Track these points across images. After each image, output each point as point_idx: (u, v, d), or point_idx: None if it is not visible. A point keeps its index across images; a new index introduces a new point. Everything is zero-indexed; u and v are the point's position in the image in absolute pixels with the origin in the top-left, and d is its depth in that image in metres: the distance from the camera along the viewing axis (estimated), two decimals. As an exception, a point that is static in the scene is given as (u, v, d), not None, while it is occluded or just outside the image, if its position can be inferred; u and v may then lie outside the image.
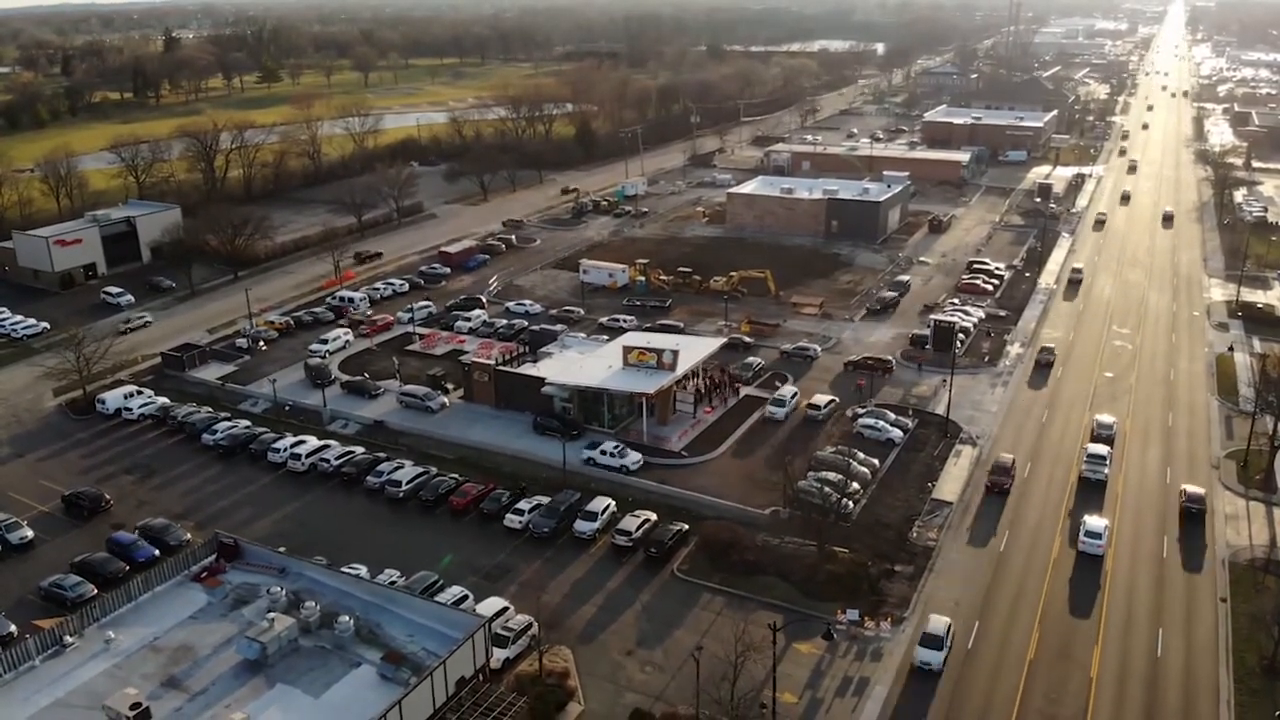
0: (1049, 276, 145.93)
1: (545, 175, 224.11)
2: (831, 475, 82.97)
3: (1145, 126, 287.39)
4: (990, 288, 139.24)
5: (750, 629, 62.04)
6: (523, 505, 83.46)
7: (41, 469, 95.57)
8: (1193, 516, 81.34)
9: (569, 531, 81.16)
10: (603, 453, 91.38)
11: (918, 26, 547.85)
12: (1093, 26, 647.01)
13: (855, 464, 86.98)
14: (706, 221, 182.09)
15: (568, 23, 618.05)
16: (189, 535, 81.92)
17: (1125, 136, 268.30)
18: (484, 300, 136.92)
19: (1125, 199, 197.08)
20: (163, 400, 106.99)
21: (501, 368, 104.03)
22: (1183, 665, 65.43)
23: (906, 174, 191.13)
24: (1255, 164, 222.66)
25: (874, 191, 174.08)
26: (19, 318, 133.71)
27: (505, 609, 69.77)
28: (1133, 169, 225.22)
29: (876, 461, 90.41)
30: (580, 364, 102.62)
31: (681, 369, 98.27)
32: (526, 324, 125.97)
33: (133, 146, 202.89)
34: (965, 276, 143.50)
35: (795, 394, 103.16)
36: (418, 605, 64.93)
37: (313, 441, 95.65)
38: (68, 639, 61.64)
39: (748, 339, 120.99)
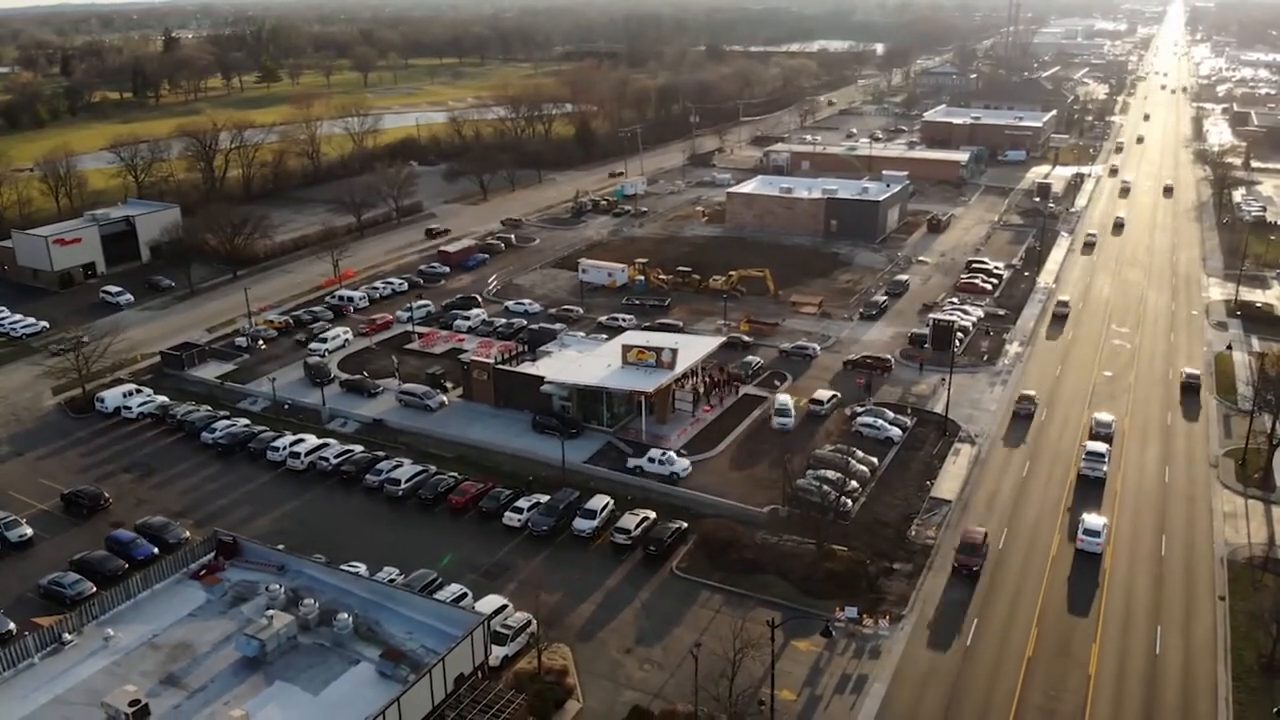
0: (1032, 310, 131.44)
1: (545, 175, 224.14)
2: (830, 473, 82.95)
3: (1145, 122, 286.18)
4: (989, 287, 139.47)
5: (749, 626, 62.15)
6: (521, 503, 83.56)
7: (41, 467, 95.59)
8: (1191, 390, 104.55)
9: (568, 529, 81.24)
10: (650, 460, 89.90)
11: (917, 26, 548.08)
12: (1092, 27, 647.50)
13: (854, 462, 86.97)
14: (706, 221, 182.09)
15: (567, 23, 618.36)
16: (188, 533, 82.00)
17: (1119, 150, 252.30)
18: (479, 299, 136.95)
19: (1119, 227, 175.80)
20: (162, 399, 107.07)
21: (501, 366, 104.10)
22: (1181, 663, 65.49)
23: (905, 174, 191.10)
24: (1254, 164, 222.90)
25: (873, 191, 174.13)
26: (18, 317, 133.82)
27: (504, 606, 69.93)
28: (1125, 192, 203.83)
29: (875, 460, 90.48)
30: (579, 363, 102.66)
31: (680, 368, 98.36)
32: (526, 323, 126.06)
33: (132, 146, 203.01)
34: (964, 276, 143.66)
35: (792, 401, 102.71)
36: (417, 603, 64.82)
37: (312, 440, 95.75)
38: (67, 636, 61.47)
39: (747, 338, 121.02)
